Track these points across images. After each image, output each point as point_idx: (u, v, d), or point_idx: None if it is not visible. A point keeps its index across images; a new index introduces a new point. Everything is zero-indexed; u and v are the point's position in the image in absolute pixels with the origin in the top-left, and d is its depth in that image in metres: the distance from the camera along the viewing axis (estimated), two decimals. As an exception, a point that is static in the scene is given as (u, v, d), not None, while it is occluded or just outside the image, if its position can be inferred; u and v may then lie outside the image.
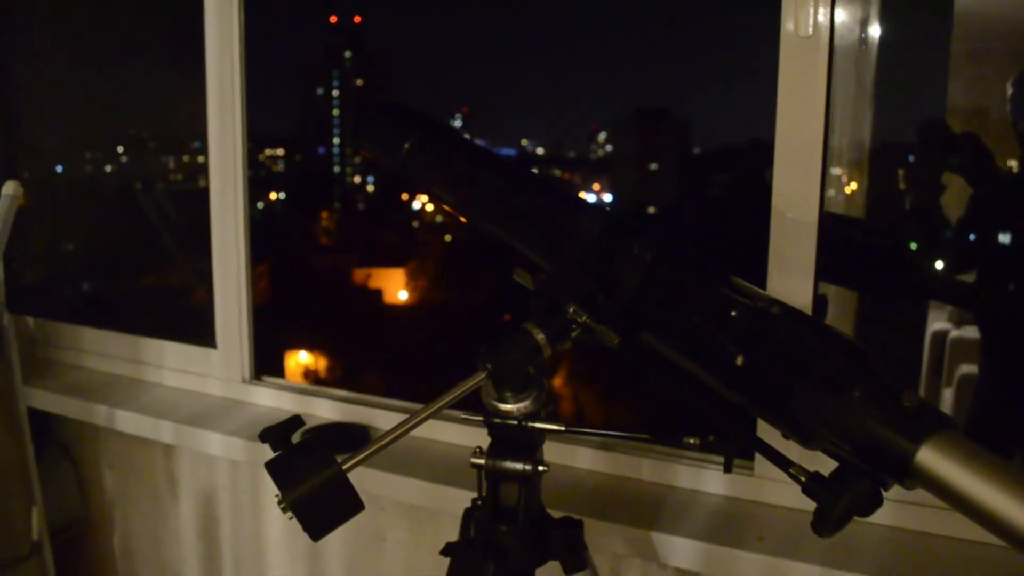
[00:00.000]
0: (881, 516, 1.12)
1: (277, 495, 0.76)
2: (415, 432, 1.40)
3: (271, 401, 1.62)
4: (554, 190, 0.98)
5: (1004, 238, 1.45)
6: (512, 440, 0.86)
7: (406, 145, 1.05)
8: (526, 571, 0.86)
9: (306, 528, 0.75)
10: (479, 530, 0.88)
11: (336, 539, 1.54)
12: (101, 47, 2.05)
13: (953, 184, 1.47)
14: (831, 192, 1.39)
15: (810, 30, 1.10)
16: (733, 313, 0.69)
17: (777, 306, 0.71)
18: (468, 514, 0.92)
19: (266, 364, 1.68)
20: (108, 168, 2.36)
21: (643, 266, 0.80)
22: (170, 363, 1.75)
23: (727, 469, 0.80)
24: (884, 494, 0.64)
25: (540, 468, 0.86)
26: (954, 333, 1.59)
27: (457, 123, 3.01)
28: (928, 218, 1.52)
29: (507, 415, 0.85)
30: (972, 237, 1.47)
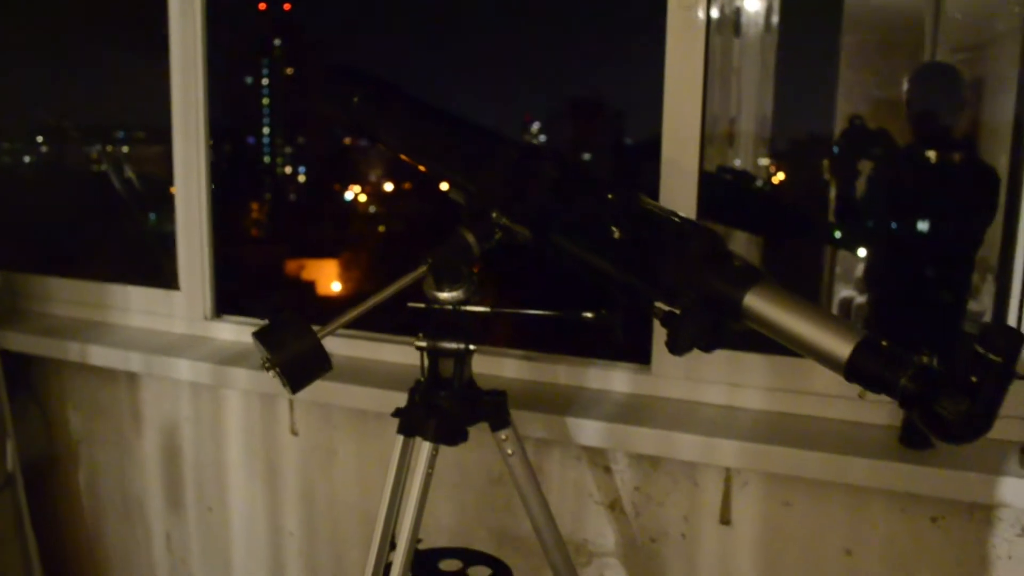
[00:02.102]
0: (750, 402, 1.38)
1: (264, 358, 0.94)
2: (362, 354, 1.62)
3: (233, 336, 1.80)
4: (479, 127, 1.20)
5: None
6: (448, 324, 1.07)
7: (355, 99, 1.26)
8: (460, 427, 1.08)
9: (289, 383, 0.94)
10: (422, 395, 1.09)
11: (291, 457, 1.73)
12: (15, 34, 2.16)
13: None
14: (759, 183, 1.62)
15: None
16: (610, 196, 0.91)
17: (650, 202, 0.94)
18: (413, 390, 1.13)
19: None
20: (27, 159, 2.46)
21: (549, 180, 1.02)
22: (135, 306, 1.91)
23: (618, 338, 1.02)
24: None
25: (471, 347, 1.08)
26: (859, 300, 1.82)
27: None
28: (850, 205, 1.70)
29: (444, 302, 1.06)
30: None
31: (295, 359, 0.94)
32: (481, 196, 1.05)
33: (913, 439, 1.22)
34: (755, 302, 0.84)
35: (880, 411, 1.30)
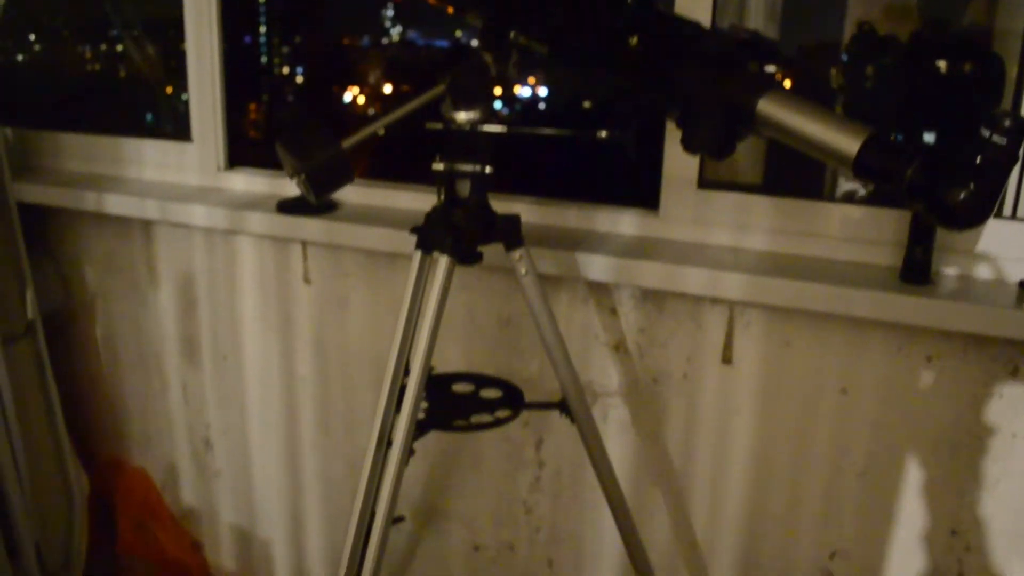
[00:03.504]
0: (757, 244, 1.41)
1: (291, 166, 0.97)
2: (375, 202, 1.64)
3: (245, 186, 1.83)
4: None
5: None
6: (465, 146, 1.10)
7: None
8: (474, 245, 1.11)
9: (313, 189, 0.97)
10: (439, 214, 1.12)
11: (304, 305, 1.77)
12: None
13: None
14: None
15: None
16: (629, 1, 0.92)
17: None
18: (429, 214, 1.16)
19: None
20: (20, 57, 2.44)
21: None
22: (149, 159, 1.93)
23: (630, 156, 1.04)
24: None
25: (487, 169, 1.10)
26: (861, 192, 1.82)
27: (389, 13, 3.09)
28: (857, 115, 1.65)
29: (461, 123, 1.08)
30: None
31: (320, 166, 0.97)
32: (498, 19, 1.06)
33: (914, 274, 1.25)
34: (768, 107, 0.86)
35: (883, 252, 1.33)
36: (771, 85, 0.86)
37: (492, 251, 1.16)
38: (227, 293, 1.86)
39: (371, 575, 1.10)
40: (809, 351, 1.36)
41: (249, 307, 1.85)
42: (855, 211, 1.35)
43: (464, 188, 1.10)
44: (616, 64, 0.96)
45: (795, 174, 1.54)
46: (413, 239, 1.16)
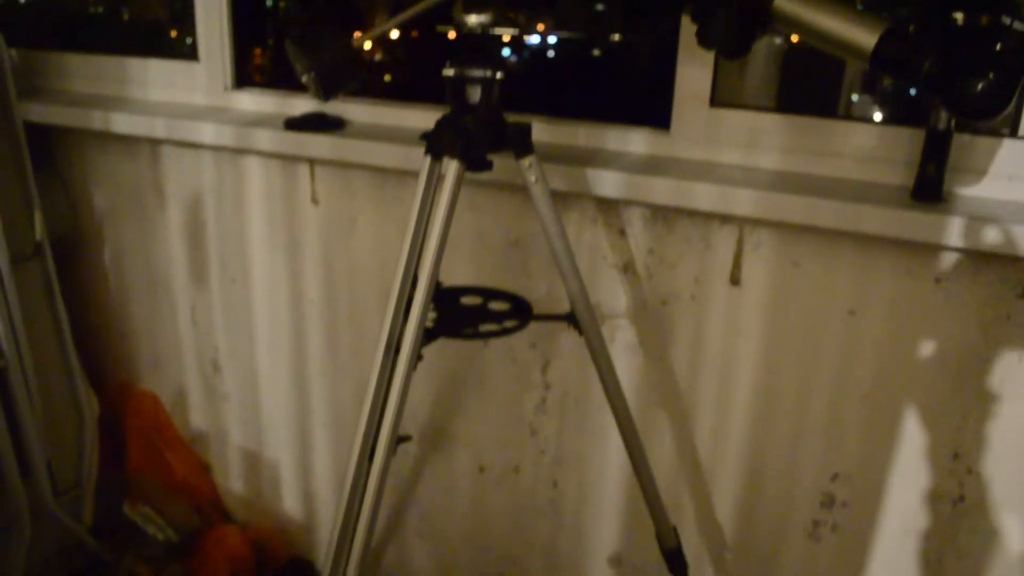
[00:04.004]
0: (768, 162, 1.40)
1: (301, 64, 0.96)
2: (384, 120, 1.63)
3: (253, 106, 1.81)
4: None
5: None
6: (475, 50, 1.08)
7: None
8: (484, 152, 1.11)
9: (322, 88, 0.96)
10: (449, 120, 1.11)
11: (312, 226, 1.77)
12: None
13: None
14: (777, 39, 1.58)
15: None
16: None
17: None
18: (440, 120, 1.15)
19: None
20: None
21: None
22: (155, 80, 1.92)
23: (644, 63, 1.03)
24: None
25: (498, 74, 1.09)
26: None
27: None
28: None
29: (472, 27, 1.07)
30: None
31: (330, 64, 0.96)
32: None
33: (926, 192, 1.24)
34: (785, 3, 0.84)
35: (896, 172, 1.32)
36: (788, -20, 0.85)
37: (502, 167, 1.15)
38: (235, 215, 1.86)
39: (378, 478, 1.11)
40: (817, 272, 1.36)
41: (257, 229, 1.85)
42: (868, 130, 1.34)
43: (475, 94, 1.09)
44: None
45: (808, 97, 1.52)
46: (421, 156, 1.15)
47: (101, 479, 2.05)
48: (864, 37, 0.79)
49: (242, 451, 2.09)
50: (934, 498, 1.36)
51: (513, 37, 1.07)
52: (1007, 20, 0.71)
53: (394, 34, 2.42)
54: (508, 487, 1.75)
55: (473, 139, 1.08)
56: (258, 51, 2.06)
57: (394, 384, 1.11)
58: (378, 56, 2.35)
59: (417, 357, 1.11)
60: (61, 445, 1.97)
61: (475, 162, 1.09)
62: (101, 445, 2.05)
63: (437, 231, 1.10)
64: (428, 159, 1.13)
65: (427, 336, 1.13)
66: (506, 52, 1.51)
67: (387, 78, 2.39)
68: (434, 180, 1.14)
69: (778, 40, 1.53)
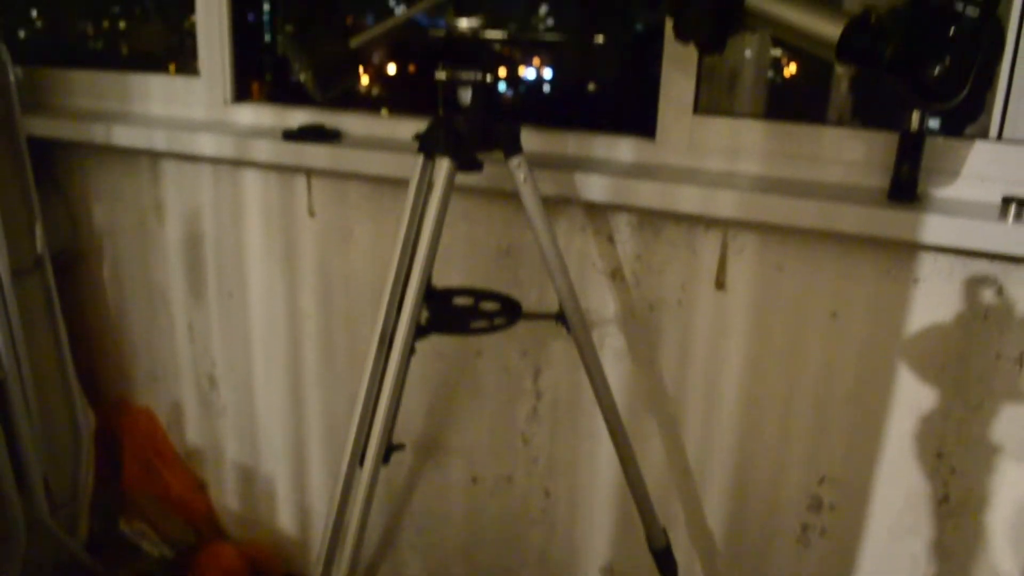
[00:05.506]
0: (751, 168, 1.44)
1: (298, 62, 1.00)
2: (379, 132, 1.67)
3: (253, 119, 1.86)
4: None
5: None
6: (466, 54, 1.13)
7: None
8: (474, 151, 1.15)
9: (318, 85, 1.00)
10: (441, 120, 1.15)
11: (309, 238, 1.81)
12: None
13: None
14: (770, 73, 1.64)
15: None
16: None
17: None
18: (432, 120, 1.19)
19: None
20: (21, 34, 2.46)
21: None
22: (156, 95, 1.97)
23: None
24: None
25: (488, 77, 1.14)
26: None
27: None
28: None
29: (463, 31, 1.11)
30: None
31: (326, 62, 1.00)
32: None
33: (900, 192, 1.29)
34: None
35: (873, 174, 1.36)
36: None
37: (492, 173, 1.19)
38: (233, 229, 1.90)
39: (368, 480, 1.14)
40: (800, 275, 1.39)
41: (254, 242, 1.88)
42: (846, 134, 1.38)
43: (466, 97, 1.14)
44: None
45: (790, 105, 1.57)
46: (417, 163, 1.19)
47: (97, 494, 2.06)
48: (829, 29, 0.84)
49: (238, 466, 2.10)
50: (919, 498, 1.38)
51: (508, 72, 1.12)
52: (959, 6, 0.75)
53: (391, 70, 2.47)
54: (501, 497, 1.77)
55: (464, 138, 1.12)
56: (257, 65, 2.10)
57: (387, 378, 1.14)
58: (375, 91, 2.39)
59: (410, 350, 1.14)
60: (57, 460, 1.99)
61: (465, 161, 1.13)
62: (97, 460, 2.06)
63: (430, 227, 1.14)
64: (421, 158, 1.17)
65: (420, 332, 1.16)
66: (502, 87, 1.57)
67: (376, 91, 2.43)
68: (426, 180, 1.18)
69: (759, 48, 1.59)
